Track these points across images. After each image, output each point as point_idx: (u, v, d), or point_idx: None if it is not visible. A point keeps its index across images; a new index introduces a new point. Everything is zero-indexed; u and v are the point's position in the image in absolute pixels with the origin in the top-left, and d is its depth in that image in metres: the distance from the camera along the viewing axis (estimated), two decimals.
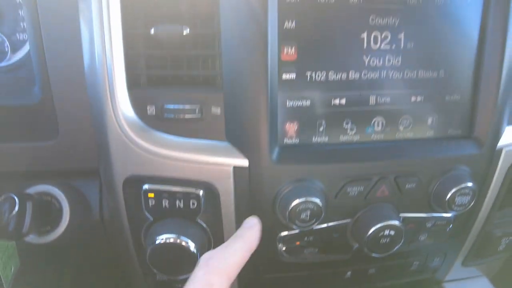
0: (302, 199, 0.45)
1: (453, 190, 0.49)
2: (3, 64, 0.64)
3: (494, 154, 0.52)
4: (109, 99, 0.44)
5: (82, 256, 0.70)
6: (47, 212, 0.56)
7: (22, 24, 0.64)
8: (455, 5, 0.47)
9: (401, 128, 0.50)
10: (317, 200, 0.45)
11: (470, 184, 0.49)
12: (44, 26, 0.50)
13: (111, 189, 0.49)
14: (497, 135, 0.51)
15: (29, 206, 0.51)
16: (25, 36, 0.64)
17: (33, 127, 0.54)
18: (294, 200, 0.45)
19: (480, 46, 0.49)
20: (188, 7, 0.43)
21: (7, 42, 0.65)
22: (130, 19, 0.43)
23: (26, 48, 0.63)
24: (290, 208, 0.45)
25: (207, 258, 0.39)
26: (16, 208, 0.49)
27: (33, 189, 0.57)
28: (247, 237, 0.43)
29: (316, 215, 0.45)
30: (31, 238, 0.56)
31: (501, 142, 0.53)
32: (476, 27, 0.48)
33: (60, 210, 0.57)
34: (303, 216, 0.45)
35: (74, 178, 0.58)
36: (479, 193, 0.54)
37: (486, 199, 0.57)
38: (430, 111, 0.50)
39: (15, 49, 0.64)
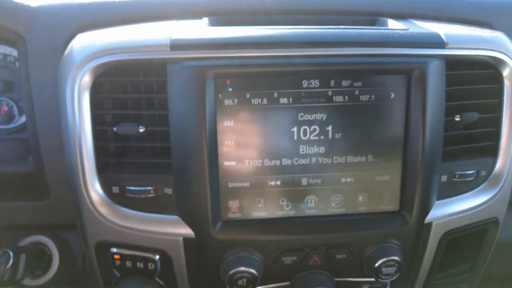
0: (239, 269, 0.53)
1: (379, 262, 0.55)
2: (12, 125, 0.76)
3: (422, 228, 0.58)
4: (81, 179, 0.53)
5: None
6: (39, 259, 0.67)
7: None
8: (379, 101, 0.53)
9: (333, 204, 0.56)
10: (253, 270, 0.53)
11: (395, 257, 0.55)
12: (38, 110, 0.61)
13: (87, 249, 0.59)
14: (424, 211, 0.57)
15: (22, 258, 0.62)
16: None
17: (28, 190, 0.65)
18: (232, 269, 0.53)
19: (405, 133, 0.55)
20: (143, 110, 0.53)
21: (16, 107, 0.77)
22: (98, 119, 0.53)
23: None
24: (228, 276, 0.53)
25: None
26: (11, 261, 0.59)
27: (29, 239, 0.68)
28: None
29: (252, 281, 0.53)
30: (26, 281, 0.67)
31: (431, 216, 0.58)
32: (400, 119, 0.54)
33: (50, 257, 0.68)
34: (240, 282, 0.53)
35: (63, 231, 0.68)
36: (413, 261, 0.60)
37: (423, 264, 0.62)
38: (360, 190, 0.56)
39: (21, 112, 0.76)
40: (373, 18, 0.64)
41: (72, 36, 0.58)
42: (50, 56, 0.59)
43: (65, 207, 0.65)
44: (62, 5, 0.61)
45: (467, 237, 0.62)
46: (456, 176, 0.58)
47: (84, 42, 0.53)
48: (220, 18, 0.61)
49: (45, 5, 0.61)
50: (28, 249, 0.65)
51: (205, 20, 0.59)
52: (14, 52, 0.70)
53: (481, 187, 0.60)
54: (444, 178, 0.58)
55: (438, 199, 0.58)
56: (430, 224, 0.58)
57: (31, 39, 0.60)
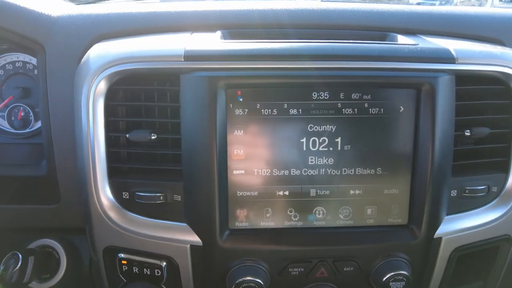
0: (246, 278, 0.53)
1: (387, 276, 0.55)
2: (28, 130, 0.78)
3: (431, 243, 0.57)
4: (92, 184, 0.54)
5: None
6: (47, 262, 0.68)
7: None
8: (388, 114, 0.53)
9: (341, 216, 0.56)
10: (259, 280, 0.53)
11: (404, 272, 0.55)
12: (53, 116, 0.62)
13: (94, 254, 0.59)
14: (433, 226, 0.56)
15: (31, 260, 0.63)
16: None
17: (39, 193, 0.66)
18: (238, 278, 0.53)
19: (414, 147, 0.55)
20: (156, 118, 0.55)
21: (32, 113, 0.79)
22: (111, 125, 0.54)
23: None
24: (234, 285, 0.53)
25: None
26: (19, 263, 0.60)
27: (38, 242, 0.69)
28: None
29: None
30: (34, 284, 0.68)
31: (440, 231, 0.57)
32: (409, 132, 0.54)
33: (58, 261, 0.69)
34: None
35: (72, 235, 0.69)
36: (422, 276, 0.59)
37: (433, 280, 0.61)
38: (369, 202, 0.56)
39: (37, 118, 0.79)
40: (383, 33, 0.65)
41: (90, 45, 0.60)
42: (67, 64, 0.61)
43: (74, 212, 0.66)
44: (80, 16, 0.64)
45: (479, 254, 0.61)
46: (466, 191, 0.58)
47: (101, 51, 0.55)
48: (233, 32, 0.62)
49: (65, 15, 0.64)
50: (36, 252, 0.66)
51: (218, 33, 0.61)
52: (34, 60, 0.73)
53: (492, 203, 0.59)
54: (454, 192, 0.57)
55: (448, 214, 0.58)
56: (439, 239, 0.57)
57: (50, 48, 0.62)
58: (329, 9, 0.67)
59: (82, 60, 0.57)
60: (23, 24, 0.62)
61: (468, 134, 0.56)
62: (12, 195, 0.66)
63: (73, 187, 0.64)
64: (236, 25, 0.64)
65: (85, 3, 0.81)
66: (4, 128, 0.75)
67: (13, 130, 0.75)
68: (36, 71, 0.72)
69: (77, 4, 0.73)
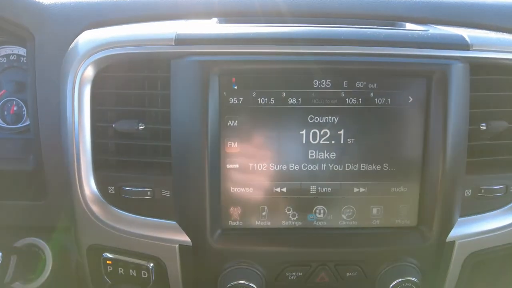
0: (239, 282, 0.48)
1: (394, 282, 0.50)
2: (20, 125, 0.76)
3: (444, 247, 0.52)
4: (76, 176, 0.51)
5: None
6: (33, 262, 0.65)
7: None
8: (396, 105, 0.49)
9: (344, 216, 0.52)
10: (253, 285, 0.48)
11: (413, 278, 0.50)
12: (41, 108, 0.60)
13: (79, 253, 0.56)
14: (445, 228, 0.52)
15: (13, 259, 0.59)
16: None
17: (27, 189, 0.63)
18: (231, 282, 0.48)
19: (425, 142, 0.50)
20: (145, 107, 0.51)
21: (25, 107, 0.77)
22: (98, 115, 0.51)
23: None
24: None
25: None
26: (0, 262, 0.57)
27: (24, 241, 0.65)
28: None
29: None
30: (17, 285, 0.64)
31: (453, 234, 0.52)
32: (419, 125, 0.50)
33: (44, 261, 0.65)
34: None
35: (60, 234, 0.66)
36: (433, 284, 0.54)
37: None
38: (374, 201, 0.52)
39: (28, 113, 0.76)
40: (391, 22, 0.61)
41: (81, 33, 0.57)
42: (57, 54, 0.58)
43: (62, 209, 0.62)
44: (72, 3, 0.61)
45: (497, 261, 0.56)
46: (482, 191, 0.53)
47: (89, 37, 0.52)
48: (230, 19, 0.59)
49: (56, 3, 0.61)
50: (21, 251, 0.62)
51: (214, 20, 0.57)
52: (24, 51, 0.71)
53: (511, 204, 0.54)
54: (468, 192, 0.52)
55: (462, 215, 0.53)
56: (452, 243, 0.52)
57: (40, 36, 0.60)
58: None
59: (70, 46, 0.54)
60: (13, 11, 0.59)
61: (484, 128, 0.52)
62: None
63: (61, 183, 0.60)
64: (234, 13, 0.61)
65: None
66: None
67: (5, 125, 0.73)
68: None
69: None
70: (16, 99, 0.74)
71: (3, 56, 0.74)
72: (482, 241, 0.54)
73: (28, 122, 0.74)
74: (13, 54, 0.74)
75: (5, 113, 0.73)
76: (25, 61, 0.73)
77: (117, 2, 0.61)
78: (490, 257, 0.55)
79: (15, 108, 0.74)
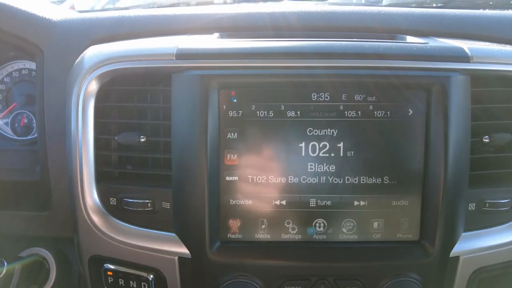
0: None
1: None
2: (30, 136, 0.78)
3: (447, 262, 0.51)
4: (79, 188, 0.52)
5: None
6: (37, 272, 0.65)
7: None
8: (396, 117, 0.49)
9: (344, 230, 0.51)
10: None
11: None
12: (48, 120, 0.61)
13: (81, 263, 0.56)
14: (448, 243, 0.50)
15: (17, 269, 0.60)
16: None
17: (33, 199, 0.64)
18: None
19: (426, 154, 0.49)
20: (146, 120, 0.52)
21: (35, 120, 0.79)
22: (101, 128, 0.52)
23: None
24: None
25: None
26: (3, 272, 0.58)
27: (29, 251, 0.66)
28: None
29: None
30: None
31: (457, 249, 0.51)
32: (420, 138, 0.49)
33: (48, 271, 0.66)
34: None
35: (64, 245, 0.66)
36: None
37: None
38: (375, 215, 0.51)
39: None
40: (391, 35, 0.61)
41: (86, 48, 0.59)
42: (64, 68, 0.60)
43: (67, 220, 0.63)
44: (80, 19, 0.63)
45: (504, 278, 0.54)
46: (487, 205, 0.51)
47: (93, 52, 0.54)
48: (231, 33, 0.60)
49: (64, 19, 0.64)
50: (26, 261, 0.63)
51: (216, 34, 0.59)
52: (34, 65, 0.73)
53: None
54: (472, 206, 0.51)
55: (466, 230, 0.51)
56: (456, 258, 0.51)
57: (49, 51, 0.62)
58: (334, 11, 0.64)
59: (76, 61, 0.56)
60: (23, 28, 0.62)
61: (487, 140, 0.51)
62: (4, 200, 0.65)
63: (65, 194, 0.61)
64: (235, 28, 0.62)
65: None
66: (6, 135, 0.75)
67: (15, 137, 0.75)
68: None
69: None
70: (27, 112, 0.76)
71: (15, 71, 0.77)
72: (488, 257, 0.52)
73: (36, 134, 0.76)
74: (25, 69, 0.77)
75: (16, 125, 0.75)
76: (36, 75, 0.75)
77: (122, 18, 0.63)
78: (497, 274, 0.53)
79: (25, 121, 0.76)
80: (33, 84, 0.74)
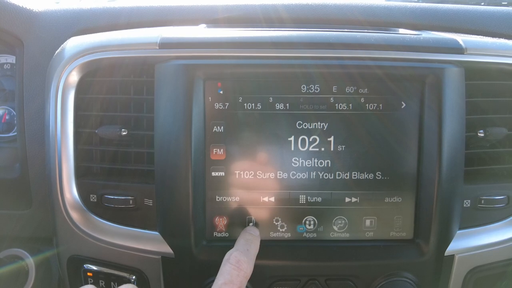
0: None
1: None
2: (11, 134, 0.75)
3: (442, 261, 0.49)
4: (58, 184, 0.49)
5: None
6: (16, 274, 0.62)
7: None
8: (388, 110, 0.47)
9: (335, 228, 0.49)
10: None
11: None
12: (28, 119, 0.59)
13: (60, 264, 0.53)
14: (443, 241, 0.48)
15: None
16: None
17: (11, 197, 0.61)
18: None
19: (419, 149, 0.48)
20: (128, 112, 0.50)
21: (16, 116, 0.76)
22: (81, 121, 0.50)
23: None
24: None
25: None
26: None
27: (7, 252, 0.63)
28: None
29: None
30: None
31: (452, 247, 0.49)
32: (413, 131, 0.47)
33: (27, 273, 0.63)
34: None
35: (43, 245, 0.64)
36: None
37: None
38: (367, 212, 0.49)
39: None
40: (385, 28, 0.60)
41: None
42: (44, 60, 0.58)
43: (46, 219, 0.60)
44: (61, 11, 0.61)
45: (500, 277, 0.52)
46: (482, 202, 0.50)
47: (75, 42, 0.51)
48: (218, 24, 0.58)
49: (45, 10, 0.61)
50: (4, 263, 0.60)
51: (202, 25, 0.57)
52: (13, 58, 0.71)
53: None
54: (467, 203, 0.50)
55: (461, 228, 0.50)
56: (451, 257, 0.49)
57: (29, 43, 0.59)
58: (324, 3, 0.62)
59: (56, 52, 0.53)
60: (2, 17, 0.59)
61: (482, 135, 0.49)
62: None
63: (45, 193, 0.59)
64: (224, 20, 0.60)
65: None
66: None
67: None
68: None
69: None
70: (8, 108, 0.73)
71: None
72: (484, 256, 0.50)
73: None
74: (7, 63, 0.74)
75: None
76: (15, 69, 0.73)
77: (105, 10, 0.61)
78: (492, 273, 0.51)
79: (7, 117, 0.73)
80: (14, 79, 0.71)
